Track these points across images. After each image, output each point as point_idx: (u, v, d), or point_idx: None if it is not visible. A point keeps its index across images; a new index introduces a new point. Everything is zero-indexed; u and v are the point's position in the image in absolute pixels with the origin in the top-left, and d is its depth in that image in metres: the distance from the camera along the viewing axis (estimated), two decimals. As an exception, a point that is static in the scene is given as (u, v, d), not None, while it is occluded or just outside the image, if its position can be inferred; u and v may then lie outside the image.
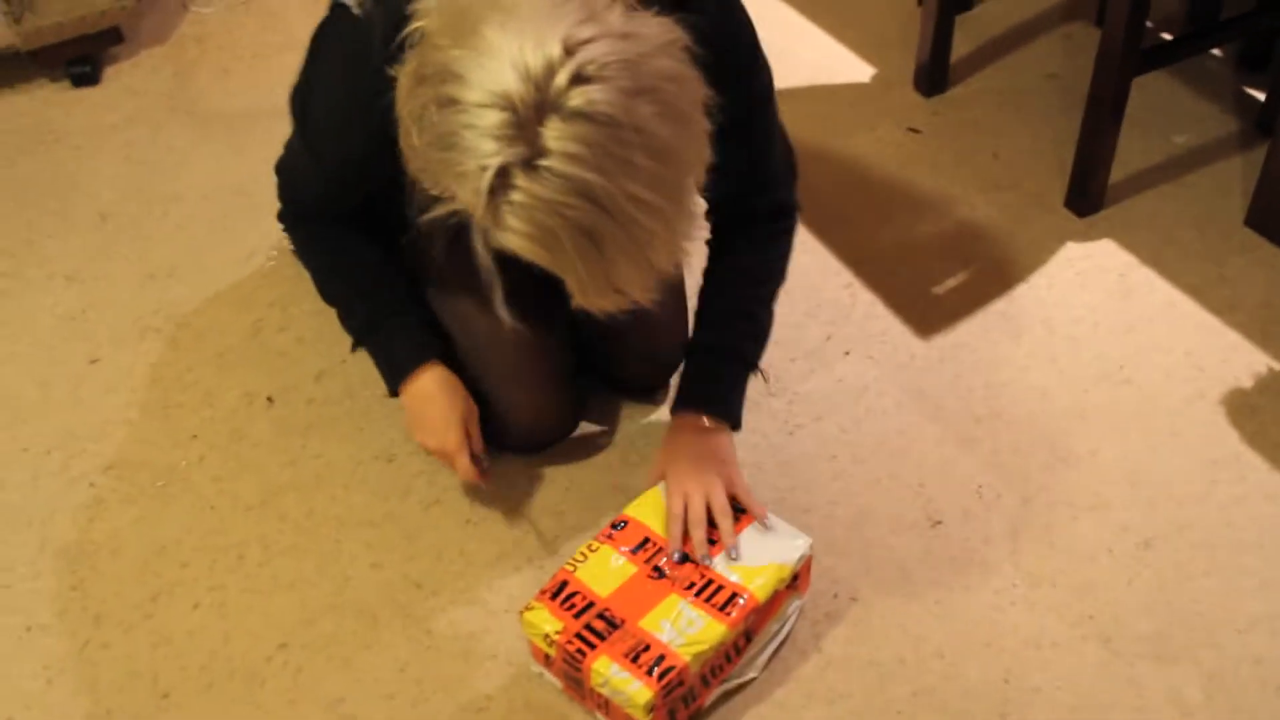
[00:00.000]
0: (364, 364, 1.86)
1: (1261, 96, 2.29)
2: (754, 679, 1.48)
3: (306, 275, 1.66)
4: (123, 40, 2.59)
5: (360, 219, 1.59)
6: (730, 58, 1.29)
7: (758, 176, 1.55)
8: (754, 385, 1.81)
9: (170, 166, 2.30)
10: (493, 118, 1.03)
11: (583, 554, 1.46)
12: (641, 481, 1.62)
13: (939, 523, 1.65)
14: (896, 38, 2.52)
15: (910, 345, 1.89)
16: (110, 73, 2.57)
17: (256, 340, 1.94)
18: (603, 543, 1.47)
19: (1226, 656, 1.49)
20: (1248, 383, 1.80)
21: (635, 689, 1.34)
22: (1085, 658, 1.49)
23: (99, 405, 1.85)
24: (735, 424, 1.59)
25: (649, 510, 1.52)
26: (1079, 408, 1.78)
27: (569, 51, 1.03)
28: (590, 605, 1.41)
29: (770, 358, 1.85)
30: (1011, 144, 2.25)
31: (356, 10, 1.30)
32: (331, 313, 1.65)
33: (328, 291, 1.64)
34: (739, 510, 1.52)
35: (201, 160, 2.32)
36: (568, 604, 1.40)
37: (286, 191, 1.62)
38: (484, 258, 1.22)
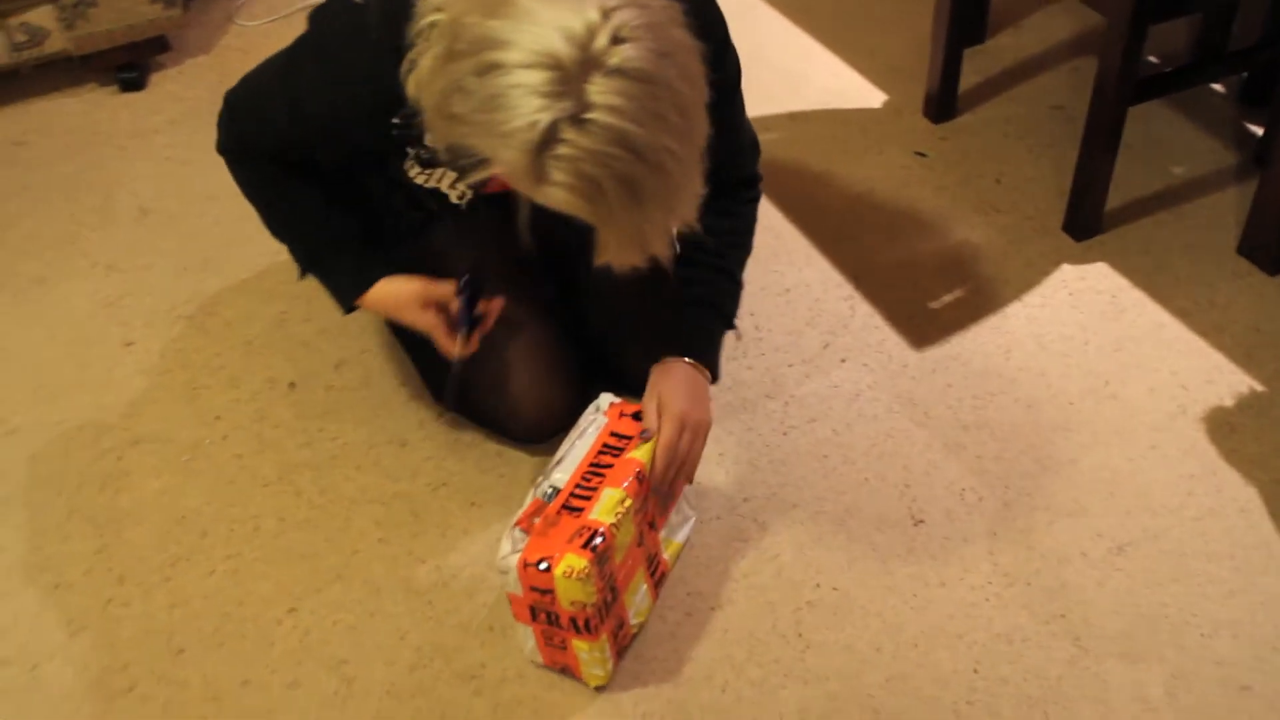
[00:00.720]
0: (382, 355, 1.96)
1: (1260, 132, 2.36)
2: None
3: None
4: (169, 49, 2.71)
5: (304, 168, 1.66)
6: (707, 45, 1.38)
7: (729, 152, 1.62)
8: (751, 388, 1.89)
9: (208, 167, 2.39)
10: (539, 76, 1.11)
11: (619, 513, 1.45)
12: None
13: (921, 522, 1.71)
14: (909, 67, 2.60)
15: (904, 355, 1.96)
16: (156, 79, 2.69)
17: (281, 330, 2.03)
18: (632, 499, 1.47)
19: (1190, 657, 1.54)
20: (1229, 402, 1.86)
21: (610, 668, 1.49)
22: (1054, 653, 1.55)
23: (131, 385, 1.95)
24: (716, 375, 1.68)
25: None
26: (1064, 419, 1.84)
27: (605, 16, 1.12)
28: (611, 575, 1.46)
29: (769, 361, 1.94)
30: (1014, 170, 2.32)
31: None
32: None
33: (274, 224, 1.72)
34: None
35: (239, 162, 2.43)
36: (602, 569, 1.42)
37: (240, 126, 1.63)
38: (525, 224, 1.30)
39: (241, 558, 1.68)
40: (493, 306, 1.65)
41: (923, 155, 2.37)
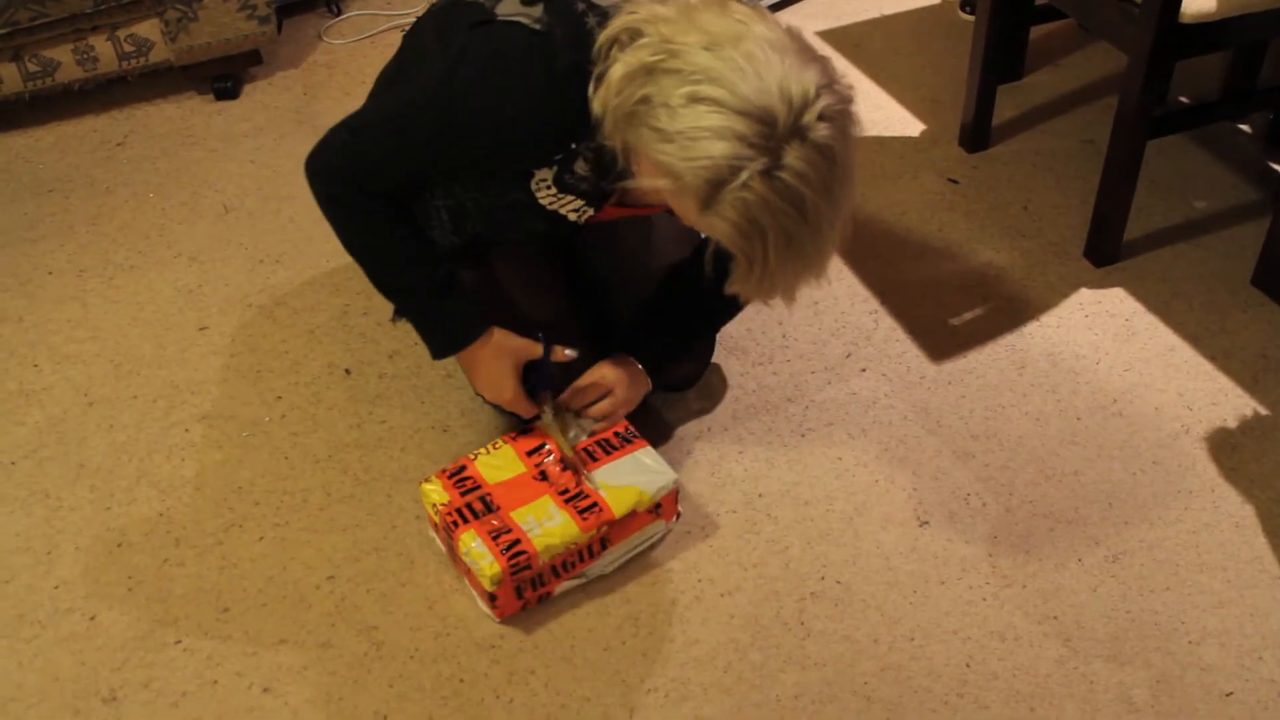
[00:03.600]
0: (432, 347, 1.98)
1: (1283, 170, 2.32)
2: (606, 574, 1.63)
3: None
4: (262, 62, 2.77)
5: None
6: None
7: None
8: (774, 391, 1.90)
9: (288, 171, 2.46)
10: (751, 126, 1.17)
11: (487, 449, 1.65)
12: (675, 461, 1.69)
13: (926, 523, 1.70)
14: (949, 100, 2.59)
15: (922, 367, 1.95)
16: (248, 89, 2.75)
17: (343, 321, 2.07)
18: (507, 443, 1.63)
19: (1176, 663, 1.52)
20: (1233, 423, 1.83)
21: (487, 562, 1.50)
22: (1044, 652, 1.54)
23: (202, 365, 2.00)
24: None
25: (557, 430, 1.65)
26: (1070, 433, 1.82)
27: (819, 92, 1.18)
28: (476, 488, 1.57)
29: (793, 368, 1.95)
30: (1042, 198, 2.30)
31: (535, 26, 1.35)
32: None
33: (381, 270, 1.57)
34: (631, 437, 1.67)
35: (317, 167, 2.48)
36: (459, 484, 1.57)
37: (361, 163, 1.48)
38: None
39: (289, 527, 1.72)
40: (562, 356, 1.64)
41: (955, 182, 2.36)
